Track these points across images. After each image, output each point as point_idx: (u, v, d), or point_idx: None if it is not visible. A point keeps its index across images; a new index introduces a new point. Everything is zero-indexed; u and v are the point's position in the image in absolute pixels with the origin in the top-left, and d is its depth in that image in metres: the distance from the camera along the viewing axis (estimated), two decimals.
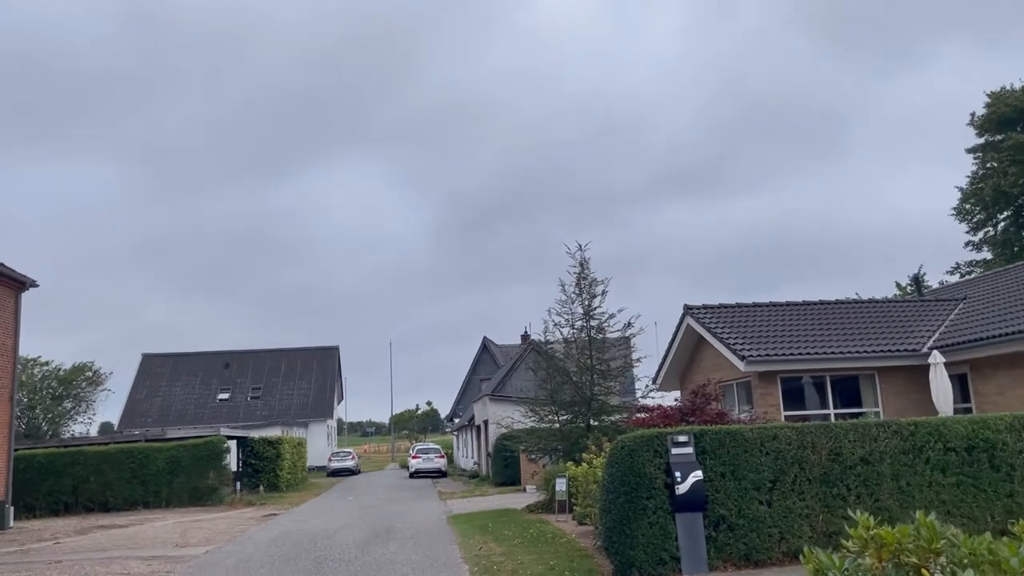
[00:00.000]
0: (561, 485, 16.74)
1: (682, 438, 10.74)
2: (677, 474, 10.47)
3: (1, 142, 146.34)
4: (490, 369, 60.35)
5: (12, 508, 23.63)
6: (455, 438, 59.51)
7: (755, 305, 20.15)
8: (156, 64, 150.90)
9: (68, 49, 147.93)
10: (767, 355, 17.08)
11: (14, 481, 27.44)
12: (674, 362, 21.46)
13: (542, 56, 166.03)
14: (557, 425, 20.58)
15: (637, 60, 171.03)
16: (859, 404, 18.40)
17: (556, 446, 20.19)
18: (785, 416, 17.18)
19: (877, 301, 21.51)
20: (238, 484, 32.09)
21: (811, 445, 10.99)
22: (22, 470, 27.67)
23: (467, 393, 61.79)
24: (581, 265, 20.85)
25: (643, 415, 14.87)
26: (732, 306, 20.14)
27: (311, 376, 61.67)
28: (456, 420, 61.62)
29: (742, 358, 16.93)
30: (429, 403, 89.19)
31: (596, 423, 20.19)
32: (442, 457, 44.31)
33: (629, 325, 20.58)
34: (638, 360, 20.87)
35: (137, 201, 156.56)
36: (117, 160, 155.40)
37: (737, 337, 18.04)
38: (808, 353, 17.85)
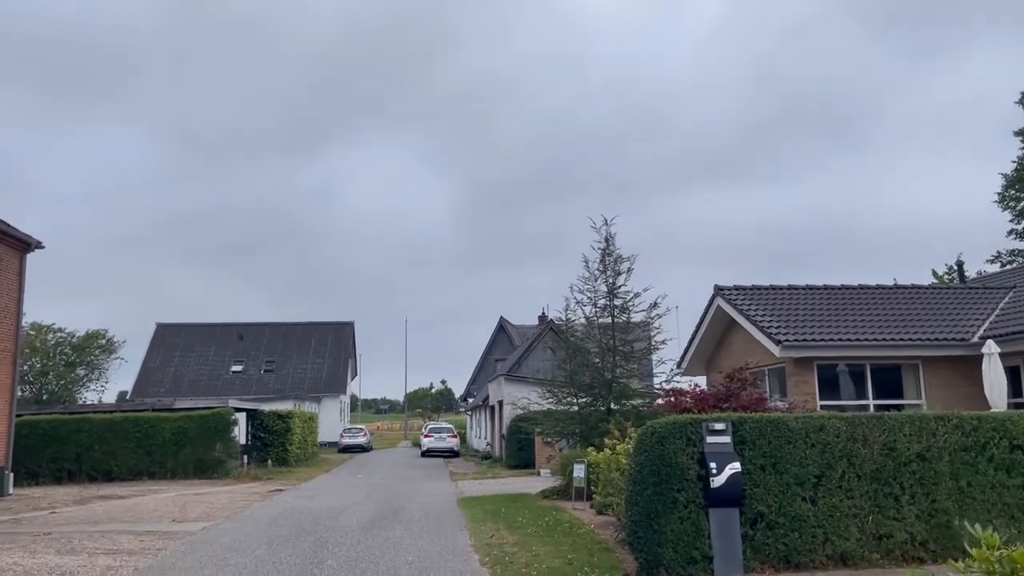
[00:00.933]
0: (579, 471, 15.76)
1: (719, 425, 9.69)
2: (712, 465, 9.43)
3: (39, 112, 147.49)
4: (506, 349, 59.44)
5: (12, 475, 23.00)
6: (468, 418, 58.76)
7: (790, 288, 18.98)
8: (192, 40, 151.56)
9: (108, 22, 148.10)
10: (804, 340, 15.95)
11: (16, 447, 26.86)
12: (701, 346, 20.35)
13: (571, 40, 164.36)
14: (576, 408, 19.56)
15: (667, 46, 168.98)
16: (900, 395, 17.24)
17: (574, 430, 19.19)
18: (821, 406, 16.07)
19: (920, 287, 20.24)
20: (246, 458, 31.39)
21: (862, 438, 9.90)
22: (25, 436, 27.07)
23: (482, 373, 60.96)
24: (606, 240, 19.77)
25: (673, 398, 13.82)
26: (766, 288, 18.98)
27: (325, 351, 61.05)
28: (470, 400, 60.85)
29: (777, 342, 15.81)
30: (444, 382, 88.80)
31: (617, 407, 19.17)
32: (455, 437, 43.50)
33: (655, 306, 19.51)
34: (663, 342, 19.79)
35: (168, 175, 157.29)
36: (151, 134, 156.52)
37: (772, 320, 16.91)
38: (847, 339, 16.70)
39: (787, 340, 15.87)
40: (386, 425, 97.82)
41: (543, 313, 59.63)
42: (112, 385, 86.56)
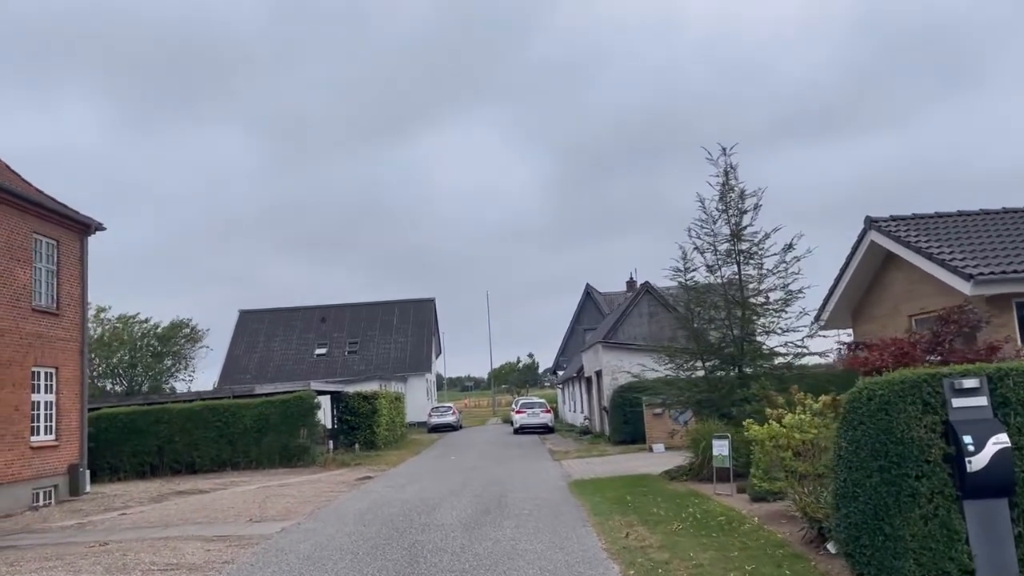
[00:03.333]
0: (721, 448, 12.97)
1: (969, 382, 6.77)
2: (967, 440, 6.55)
3: (144, 111, 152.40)
4: (594, 318, 56.64)
5: (88, 472, 21.61)
6: (560, 392, 56.28)
7: (960, 214, 15.58)
8: (289, 36, 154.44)
9: (207, 27, 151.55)
10: (1001, 273, 12.67)
11: (97, 441, 25.68)
12: (846, 294, 17.13)
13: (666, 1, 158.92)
14: (702, 373, 16.68)
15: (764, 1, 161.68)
16: None
17: (701, 398, 16.30)
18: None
19: None
20: (332, 443, 29.65)
21: None
22: (104, 430, 25.89)
23: (571, 343, 58.35)
24: (726, 173, 16.70)
25: (863, 354, 10.88)
26: (929, 216, 15.63)
27: (407, 329, 59.42)
28: (560, 372, 58.36)
29: (968, 277, 12.58)
30: (531, 355, 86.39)
31: (751, 370, 16.24)
32: (548, 412, 41.06)
33: (790, 247, 16.36)
34: (799, 291, 16.65)
35: (264, 169, 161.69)
36: (249, 131, 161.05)
37: (953, 252, 13.65)
38: None
39: (981, 274, 12.61)
40: (473, 402, 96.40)
41: (631, 278, 56.61)
42: (202, 375, 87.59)
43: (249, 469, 25.91)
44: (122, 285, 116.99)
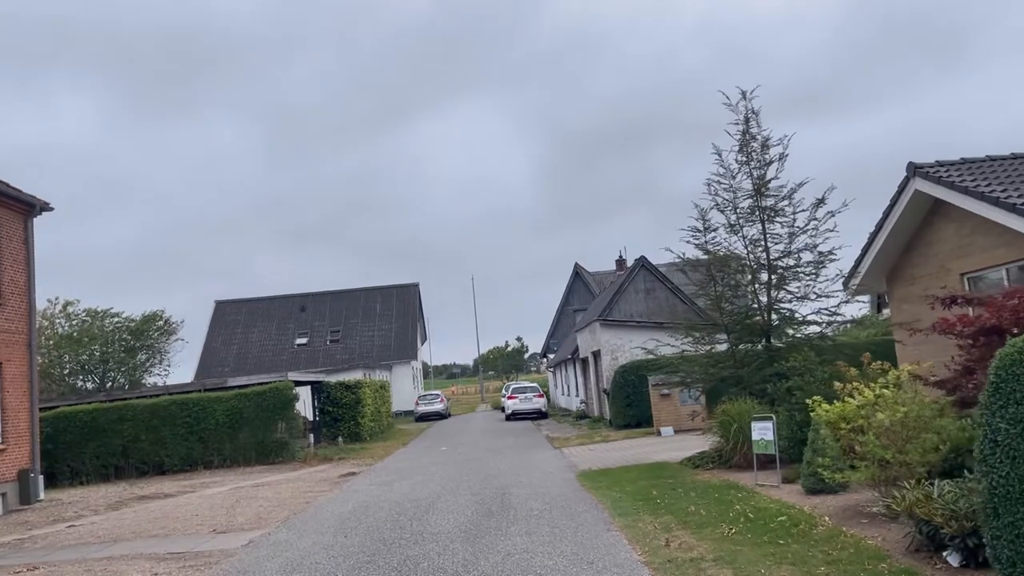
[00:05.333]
0: (764, 432, 11.08)
1: None
2: None
3: (135, 104, 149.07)
4: (584, 298, 54.71)
5: (41, 477, 19.44)
6: (551, 375, 54.36)
7: (1015, 156, 13.74)
8: (289, 26, 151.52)
9: (205, 19, 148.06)
10: None
11: (56, 443, 23.54)
12: (881, 254, 15.25)
13: None
14: (723, 347, 14.74)
15: None
16: None
17: (726, 375, 14.36)
18: None
19: None
20: (313, 436, 27.59)
21: None
22: (63, 430, 23.74)
23: (560, 326, 56.44)
24: (747, 120, 14.72)
25: (967, 311, 9.00)
26: (980, 160, 13.77)
27: (391, 316, 57.29)
28: (550, 356, 56.45)
29: None
30: (519, 339, 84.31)
31: (781, 342, 14.36)
32: (541, 396, 39.17)
33: (821, 202, 14.43)
34: (831, 252, 14.73)
35: (254, 161, 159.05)
36: (241, 121, 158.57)
37: (1021, 194, 11.79)
38: None
39: None
40: (460, 389, 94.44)
41: (621, 256, 54.72)
42: (178, 369, 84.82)
43: (222, 468, 23.84)
44: (108, 280, 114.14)
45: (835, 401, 8.18)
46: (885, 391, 7.81)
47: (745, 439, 12.54)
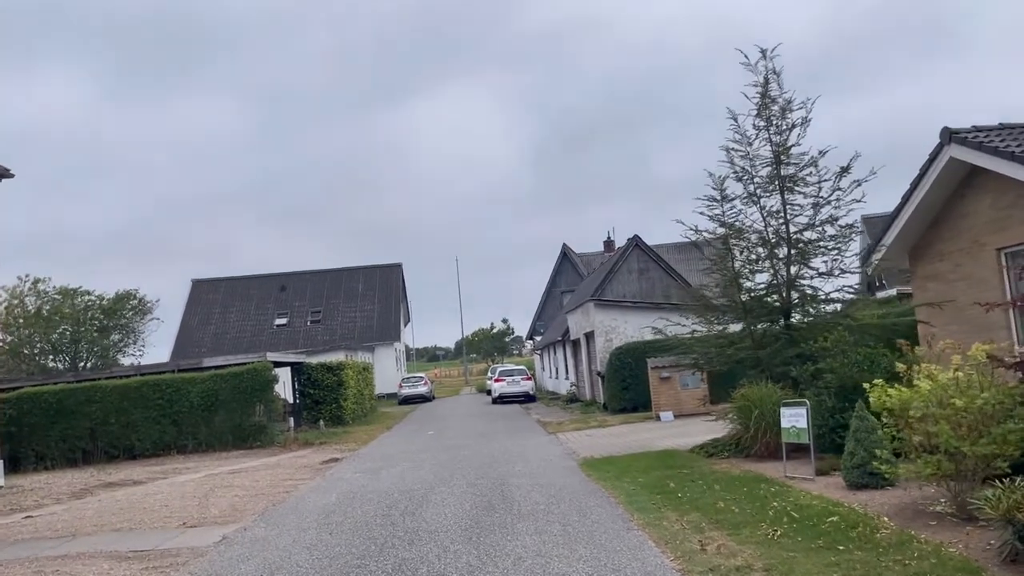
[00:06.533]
0: (796, 420, 10.03)
1: None
2: None
3: (123, 83, 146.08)
4: (572, 280, 53.71)
5: (0, 463, 18.13)
6: (537, 358, 53.32)
7: None
8: (285, 6, 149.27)
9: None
10: None
11: (20, 426, 22.16)
12: (906, 228, 14.24)
13: None
14: (740, 326, 13.66)
15: None
16: None
17: (743, 356, 13.29)
18: None
19: None
20: (293, 420, 26.38)
21: None
22: (27, 412, 22.38)
23: (547, 307, 55.37)
24: (766, 81, 13.59)
25: None
26: (1020, 125, 12.81)
27: (374, 296, 55.94)
28: (536, 338, 55.39)
29: None
30: (505, 320, 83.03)
31: (802, 321, 13.33)
32: (529, 379, 38.14)
33: (845, 171, 13.35)
34: (854, 225, 13.67)
35: (243, 142, 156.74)
36: (230, 101, 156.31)
37: None
38: None
39: None
40: (443, 372, 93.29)
41: (609, 238, 53.67)
42: (153, 350, 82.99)
43: (197, 452, 22.60)
44: (87, 259, 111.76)
45: (895, 385, 7.12)
46: (959, 374, 6.78)
47: (768, 426, 11.52)
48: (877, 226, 19.29)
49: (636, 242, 32.51)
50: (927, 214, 14.09)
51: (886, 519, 7.25)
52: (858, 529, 6.95)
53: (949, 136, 12.73)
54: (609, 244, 52.52)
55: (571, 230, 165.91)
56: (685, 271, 34.84)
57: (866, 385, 7.54)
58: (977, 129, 12.71)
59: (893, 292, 27.44)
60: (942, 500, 7.52)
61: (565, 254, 55.84)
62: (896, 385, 7.22)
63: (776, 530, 7.38)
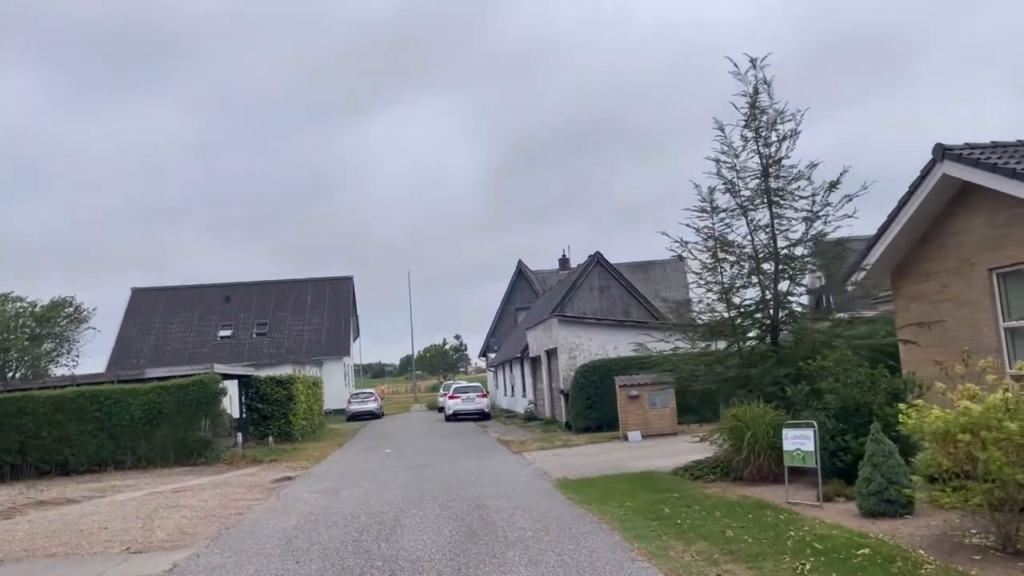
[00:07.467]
0: (800, 442, 9.46)
1: None
2: None
3: (74, 89, 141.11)
4: (527, 297, 53.12)
5: None
6: (491, 375, 52.45)
7: None
8: (247, 15, 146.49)
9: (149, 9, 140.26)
10: None
11: None
12: (891, 248, 13.94)
13: None
14: (734, 345, 13.09)
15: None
16: None
17: (731, 375, 12.74)
18: None
19: None
20: (240, 435, 25.07)
21: None
22: None
23: (501, 324, 54.58)
24: (755, 91, 13.18)
25: None
26: (1012, 144, 12.61)
27: (323, 309, 54.45)
28: (490, 355, 54.53)
29: None
30: (458, 337, 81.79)
31: (787, 339, 12.85)
32: (484, 397, 37.28)
33: (835, 186, 12.98)
34: (838, 243, 13.32)
35: (208, 150, 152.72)
36: (187, 108, 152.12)
37: None
38: None
39: None
40: (389, 388, 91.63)
41: (564, 256, 53.36)
42: (88, 360, 79.71)
43: (136, 469, 21.19)
44: (23, 267, 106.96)
45: (907, 405, 6.58)
46: (1008, 395, 6.26)
47: (762, 449, 10.96)
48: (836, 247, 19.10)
49: (598, 259, 32.07)
50: (914, 233, 13.78)
51: (923, 552, 6.67)
52: (897, 564, 6.36)
53: (943, 152, 12.44)
54: (564, 262, 52.18)
55: (526, 248, 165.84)
56: (643, 291, 34.61)
57: (901, 407, 6.97)
58: (970, 147, 12.46)
59: (844, 316, 27.44)
60: (973, 531, 6.99)
61: (521, 271, 55.27)
62: (933, 407, 6.67)
63: (803, 564, 6.74)
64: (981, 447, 6.12)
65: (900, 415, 7.02)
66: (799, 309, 13.12)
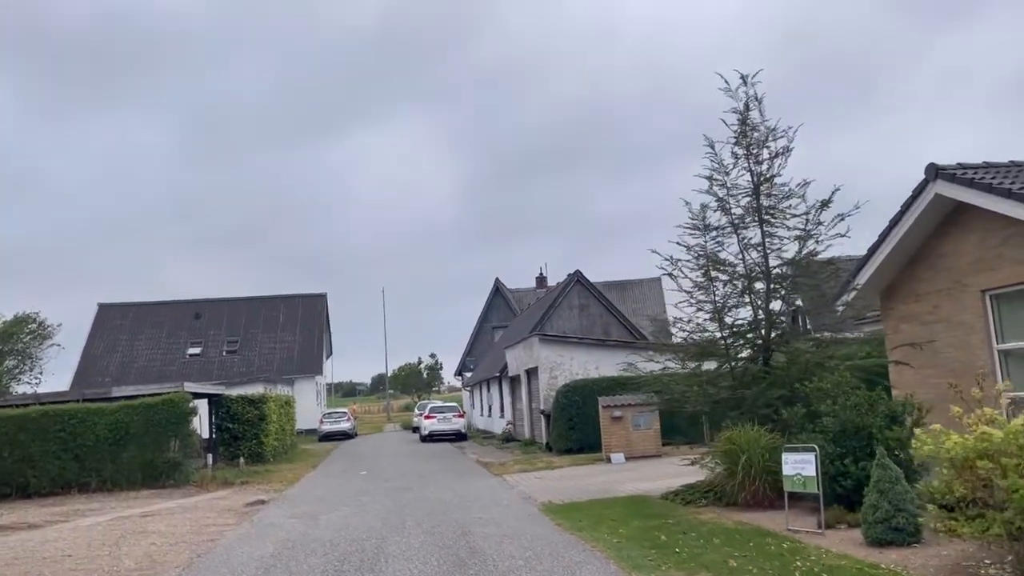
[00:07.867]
0: (801, 466, 9.17)
1: None
2: None
3: (49, 99, 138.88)
4: (504, 315, 52.75)
5: None
6: (467, 395, 51.88)
7: None
8: (228, 28, 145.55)
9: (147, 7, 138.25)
10: None
11: None
12: (881, 269, 13.80)
13: (599, 9, 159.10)
14: (726, 365, 12.82)
15: (695, 16, 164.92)
16: None
17: (723, 397, 12.45)
18: None
19: None
20: (211, 456, 24.32)
21: None
22: None
23: (478, 343, 54.09)
24: (746, 107, 13.01)
25: None
26: (1004, 164, 12.54)
27: (295, 327, 53.61)
28: (466, 374, 53.97)
29: None
30: (433, 355, 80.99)
31: (782, 361, 12.59)
32: (461, 417, 36.72)
33: (826, 204, 12.81)
34: (833, 261, 13.14)
35: (183, 163, 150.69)
36: (163, 119, 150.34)
37: None
38: None
39: None
40: (363, 408, 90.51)
41: (541, 274, 53.07)
42: (52, 378, 77.72)
43: (102, 492, 20.39)
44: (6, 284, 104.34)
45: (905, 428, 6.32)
46: None
47: (757, 473, 10.67)
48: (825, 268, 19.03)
49: (577, 278, 31.85)
50: (904, 253, 13.64)
51: None
52: None
53: (935, 172, 12.31)
54: (542, 280, 51.90)
55: (502, 266, 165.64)
56: (620, 310, 34.45)
57: (925, 430, 6.71)
58: (963, 167, 12.36)
59: (826, 336, 27.44)
60: (987, 561, 6.72)
61: (498, 289, 54.91)
62: (950, 432, 6.40)
63: None
64: (1001, 474, 5.86)
65: (915, 440, 6.75)
66: (788, 328, 12.87)
